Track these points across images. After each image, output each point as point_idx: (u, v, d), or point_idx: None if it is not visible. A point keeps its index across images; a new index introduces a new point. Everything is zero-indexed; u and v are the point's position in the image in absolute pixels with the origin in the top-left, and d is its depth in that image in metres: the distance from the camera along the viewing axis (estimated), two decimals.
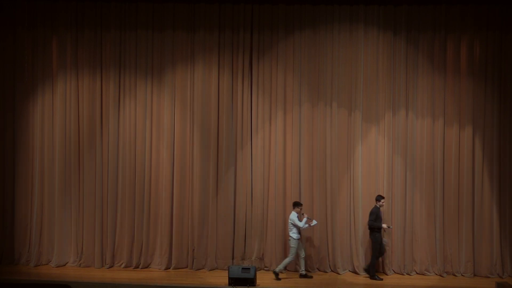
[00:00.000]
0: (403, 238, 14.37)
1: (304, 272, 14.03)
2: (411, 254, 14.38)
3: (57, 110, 14.73)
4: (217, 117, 14.63)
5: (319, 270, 14.44)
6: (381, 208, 13.98)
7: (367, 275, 14.04)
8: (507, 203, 14.35)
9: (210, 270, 14.47)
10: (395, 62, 14.51)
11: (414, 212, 14.41)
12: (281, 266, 13.92)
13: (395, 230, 14.28)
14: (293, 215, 13.87)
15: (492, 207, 14.32)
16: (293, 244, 13.82)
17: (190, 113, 14.66)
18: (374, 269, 14.00)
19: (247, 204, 14.63)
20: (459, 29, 14.42)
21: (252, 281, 13.18)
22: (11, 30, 14.71)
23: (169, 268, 14.52)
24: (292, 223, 13.81)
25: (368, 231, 14.10)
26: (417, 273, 14.37)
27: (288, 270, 14.31)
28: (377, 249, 13.93)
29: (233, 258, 14.56)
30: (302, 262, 14.03)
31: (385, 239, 14.16)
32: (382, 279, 13.94)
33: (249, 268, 13.27)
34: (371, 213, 13.92)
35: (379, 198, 14.00)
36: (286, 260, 13.91)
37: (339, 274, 14.32)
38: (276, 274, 13.85)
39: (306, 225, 13.92)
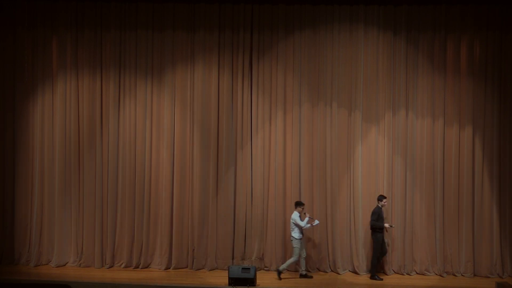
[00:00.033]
0: (403, 238, 14.37)
1: (304, 272, 14.03)
2: (411, 254, 14.38)
3: (57, 110, 14.73)
4: (217, 117, 14.63)
5: (319, 270, 14.44)
6: (383, 208, 13.98)
7: (373, 276, 14.02)
8: (507, 203, 14.35)
9: (210, 270, 14.47)
10: (395, 62, 14.51)
11: (414, 212, 14.41)
12: (284, 266, 13.91)
13: (395, 230, 14.28)
14: (295, 215, 13.87)
15: (492, 207, 14.32)
16: (295, 244, 13.81)
17: (190, 113, 14.66)
18: (374, 269, 14.00)
19: (247, 204, 14.63)
20: (459, 29, 14.43)
21: (252, 281, 13.18)
22: (11, 30, 14.71)
23: (169, 268, 14.52)
24: (293, 223, 13.81)
25: (370, 231, 14.10)
26: (417, 273, 14.37)
27: (288, 270, 14.30)
28: (378, 249, 13.93)
29: (233, 258, 14.56)
30: (303, 262, 14.02)
31: (386, 239, 14.15)
32: (382, 279, 13.94)
33: (249, 268, 13.27)
34: (373, 213, 13.92)
35: (381, 198, 14.00)
36: (291, 260, 13.89)
37: (339, 274, 14.32)
38: (279, 272, 13.85)
39: (308, 225, 13.91)
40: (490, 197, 14.33)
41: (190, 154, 14.63)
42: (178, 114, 14.66)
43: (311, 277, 14.04)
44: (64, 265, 14.65)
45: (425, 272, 14.33)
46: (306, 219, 13.87)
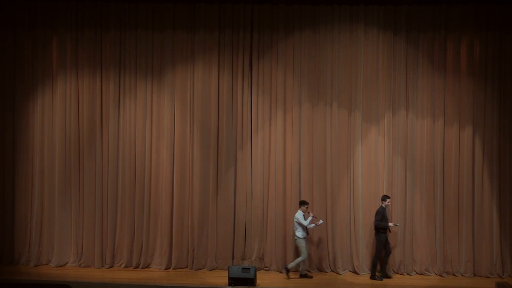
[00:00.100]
0: (403, 238, 14.37)
1: (304, 272, 14.03)
2: (411, 254, 14.38)
3: (57, 110, 14.73)
4: (217, 117, 14.63)
5: (319, 270, 14.44)
6: (387, 208, 13.98)
7: (384, 276, 14.03)
8: (507, 203, 14.35)
9: (210, 270, 14.47)
10: (395, 62, 14.51)
11: (414, 212, 14.41)
12: (293, 264, 13.91)
13: (395, 230, 14.26)
14: (299, 214, 13.87)
15: (492, 207, 14.32)
16: (299, 243, 13.80)
17: (190, 113, 14.66)
18: (375, 268, 14.00)
19: (247, 204, 14.63)
20: (459, 29, 14.43)
21: (252, 281, 13.18)
22: (11, 30, 14.71)
23: (169, 268, 14.52)
24: (297, 222, 13.81)
25: (370, 231, 14.10)
26: (417, 273, 14.37)
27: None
28: (380, 250, 13.93)
29: (233, 258, 14.56)
30: (300, 262, 14.03)
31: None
32: (382, 279, 13.94)
33: (249, 268, 13.27)
34: (377, 213, 13.91)
35: (384, 198, 14.00)
36: (299, 259, 13.87)
37: (339, 274, 14.32)
38: (287, 271, 13.86)
39: (313, 225, 13.93)
40: (490, 197, 14.33)
41: (190, 154, 14.63)
42: (178, 114, 14.66)
43: (311, 277, 14.04)
44: (64, 265, 14.65)
45: (425, 272, 14.33)
46: (310, 218, 13.87)
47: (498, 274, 14.22)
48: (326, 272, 14.42)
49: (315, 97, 14.57)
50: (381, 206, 13.99)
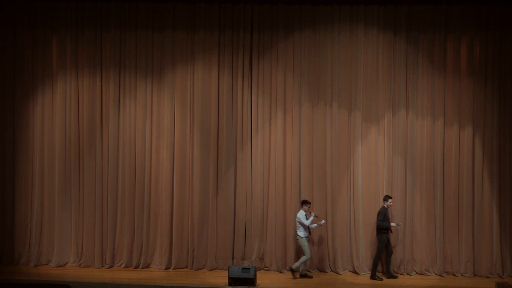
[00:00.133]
0: (403, 238, 14.37)
1: (304, 272, 14.02)
2: (411, 254, 14.38)
3: (57, 110, 14.73)
4: (217, 117, 14.63)
5: (319, 270, 14.44)
6: (388, 208, 13.98)
7: (390, 276, 14.02)
8: (507, 203, 14.35)
9: (210, 270, 14.47)
10: (395, 62, 14.51)
11: (414, 212, 14.41)
12: (297, 264, 13.88)
13: (395, 230, 14.25)
14: (301, 214, 13.87)
15: (492, 207, 14.32)
16: (302, 242, 13.80)
17: (190, 113, 14.66)
18: (375, 269, 13.99)
19: (247, 204, 14.63)
20: (459, 29, 14.43)
21: (252, 281, 13.18)
22: (11, 30, 14.71)
23: (169, 268, 14.52)
24: (298, 221, 13.81)
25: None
26: (417, 273, 14.37)
27: (288, 270, 14.33)
28: (381, 250, 13.92)
29: (233, 258, 14.56)
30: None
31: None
32: (382, 279, 13.94)
33: (249, 268, 13.27)
34: (379, 214, 13.91)
35: (386, 198, 14.00)
36: (303, 258, 13.85)
37: (339, 274, 14.32)
38: (293, 271, 13.86)
39: (315, 225, 13.94)
40: (490, 197, 14.33)
41: (190, 154, 14.63)
42: (178, 114, 14.66)
43: (311, 277, 14.04)
44: (64, 265, 14.65)
45: (425, 272, 14.33)
46: (311, 218, 13.87)
47: (498, 274, 14.22)
48: (326, 272, 14.42)
49: (315, 97, 14.57)
50: (383, 206, 13.99)
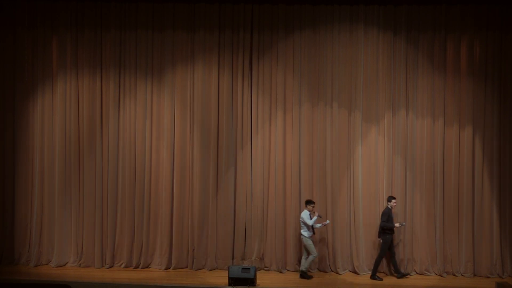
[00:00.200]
0: (403, 238, 14.37)
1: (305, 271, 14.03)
2: (411, 254, 14.38)
3: (57, 110, 14.73)
4: (217, 117, 14.63)
5: (319, 270, 14.44)
6: (392, 209, 13.98)
7: (402, 276, 14.02)
8: (507, 203, 14.35)
9: (210, 270, 14.47)
10: (395, 62, 14.52)
11: (414, 212, 14.41)
12: (306, 265, 13.88)
13: (396, 230, 14.21)
14: (304, 213, 13.87)
15: (492, 207, 14.32)
16: (306, 242, 13.80)
17: (190, 113, 14.66)
18: (376, 269, 13.98)
19: (247, 204, 14.63)
20: (459, 29, 14.43)
21: (252, 281, 13.18)
22: (11, 30, 14.71)
23: (169, 268, 14.52)
24: (301, 221, 13.82)
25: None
26: (417, 273, 14.37)
27: (288, 270, 14.34)
28: (385, 250, 13.92)
29: (233, 258, 14.56)
30: (303, 262, 14.01)
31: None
32: (382, 279, 13.94)
33: (249, 268, 13.27)
34: (383, 214, 13.91)
35: (390, 198, 14.00)
36: (310, 258, 13.85)
37: (339, 274, 14.32)
38: (304, 272, 13.84)
39: (319, 225, 13.96)
40: (490, 197, 14.33)
41: (190, 154, 14.63)
42: (178, 114, 14.66)
43: (311, 277, 14.03)
44: (64, 265, 14.65)
45: (425, 272, 14.33)
46: (314, 218, 13.87)
47: (498, 274, 14.22)
48: (326, 272, 14.41)
49: (315, 97, 14.57)
50: (387, 207, 13.99)
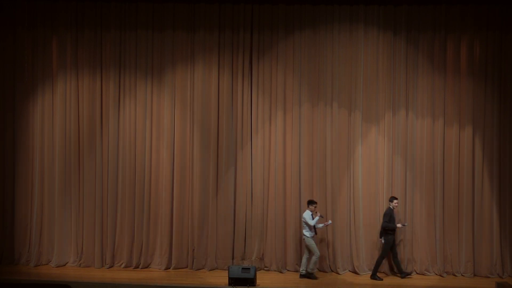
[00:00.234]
0: (403, 238, 14.36)
1: (304, 272, 14.02)
2: (411, 254, 14.38)
3: (57, 110, 14.73)
4: (217, 117, 14.63)
5: (319, 270, 14.42)
6: (394, 209, 13.97)
7: (406, 275, 14.02)
8: (507, 203, 14.35)
9: (210, 270, 14.47)
10: (395, 62, 14.51)
11: (414, 212, 14.41)
12: (311, 266, 13.86)
13: (398, 230, 14.23)
14: (306, 214, 13.87)
15: (492, 207, 14.32)
16: (308, 242, 13.80)
17: (190, 113, 14.66)
18: (377, 269, 13.97)
19: (247, 204, 14.63)
20: (459, 29, 14.43)
21: (252, 281, 13.18)
22: (11, 30, 14.71)
23: (169, 268, 14.52)
24: (303, 221, 13.82)
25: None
26: (417, 273, 14.36)
27: (288, 270, 14.35)
28: (387, 251, 13.92)
29: (233, 258, 14.56)
30: (304, 262, 14.01)
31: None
32: (382, 279, 13.93)
33: (249, 268, 13.27)
34: (385, 215, 13.91)
35: (392, 199, 14.00)
36: (314, 258, 13.84)
37: (339, 274, 14.32)
38: (310, 274, 13.82)
39: (321, 225, 13.95)
40: (490, 197, 14.33)
41: (190, 154, 14.63)
42: (178, 114, 14.66)
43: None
44: (64, 265, 14.65)
45: (425, 272, 14.33)
46: (316, 218, 13.86)
47: (498, 274, 14.22)
48: (326, 272, 14.41)
49: (315, 97, 14.57)
50: (389, 207, 13.98)
